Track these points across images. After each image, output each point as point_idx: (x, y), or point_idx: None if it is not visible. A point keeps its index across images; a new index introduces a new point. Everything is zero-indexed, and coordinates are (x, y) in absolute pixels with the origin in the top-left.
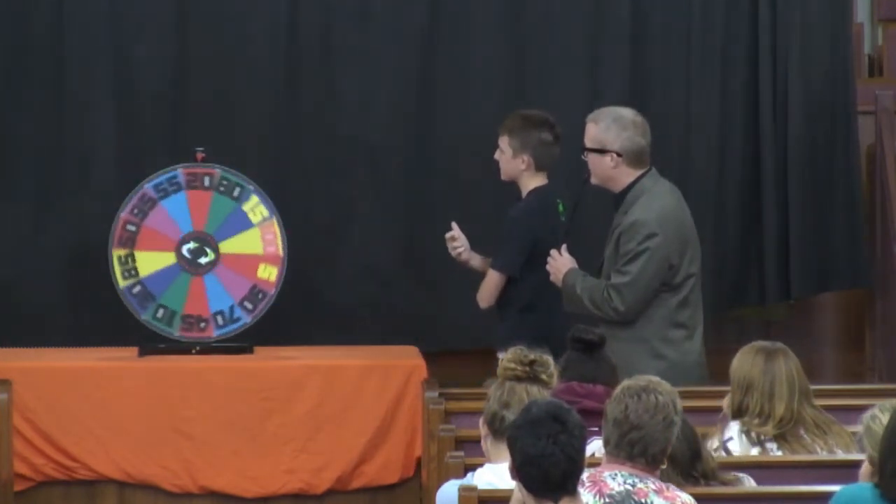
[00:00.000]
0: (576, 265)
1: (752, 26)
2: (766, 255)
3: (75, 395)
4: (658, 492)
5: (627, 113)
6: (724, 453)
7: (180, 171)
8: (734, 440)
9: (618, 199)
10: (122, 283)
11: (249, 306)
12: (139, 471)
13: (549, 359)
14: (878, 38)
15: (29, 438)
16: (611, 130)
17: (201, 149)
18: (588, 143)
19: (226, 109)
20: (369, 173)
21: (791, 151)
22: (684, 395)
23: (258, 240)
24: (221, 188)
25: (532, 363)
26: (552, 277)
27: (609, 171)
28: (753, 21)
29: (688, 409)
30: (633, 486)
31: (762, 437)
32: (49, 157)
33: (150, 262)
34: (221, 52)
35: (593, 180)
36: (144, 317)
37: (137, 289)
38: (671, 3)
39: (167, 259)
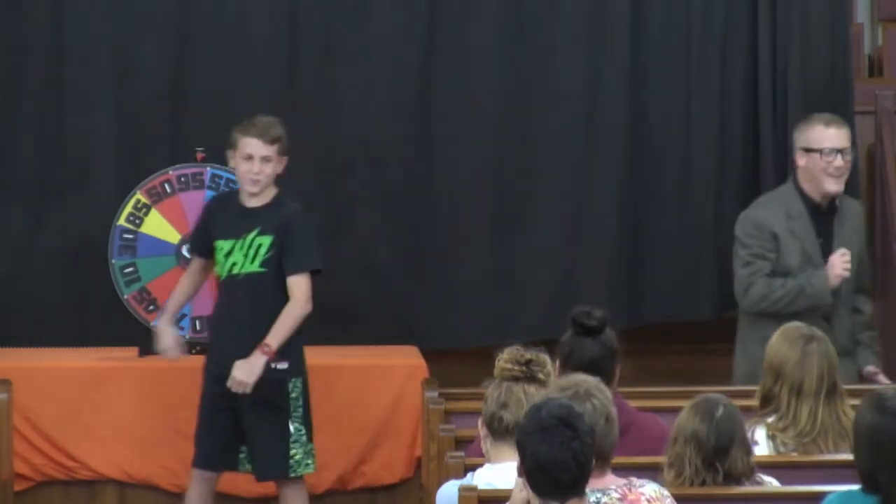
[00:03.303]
0: None
1: (752, 26)
2: None
3: (75, 395)
4: (622, 499)
5: None
6: None
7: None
8: (760, 446)
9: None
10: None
11: (198, 326)
12: (139, 471)
13: (546, 357)
14: (878, 38)
15: (29, 438)
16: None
17: (201, 149)
18: (850, 144)
19: (226, 109)
20: (369, 173)
21: (791, 151)
22: (685, 396)
23: None
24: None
25: (528, 362)
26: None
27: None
28: (753, 21)
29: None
30: (598, 501)
31: (786, 446)
32: (49, 156)
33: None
34: (221, 52)
35: (842, 185)
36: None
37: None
38: (671, 3)
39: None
